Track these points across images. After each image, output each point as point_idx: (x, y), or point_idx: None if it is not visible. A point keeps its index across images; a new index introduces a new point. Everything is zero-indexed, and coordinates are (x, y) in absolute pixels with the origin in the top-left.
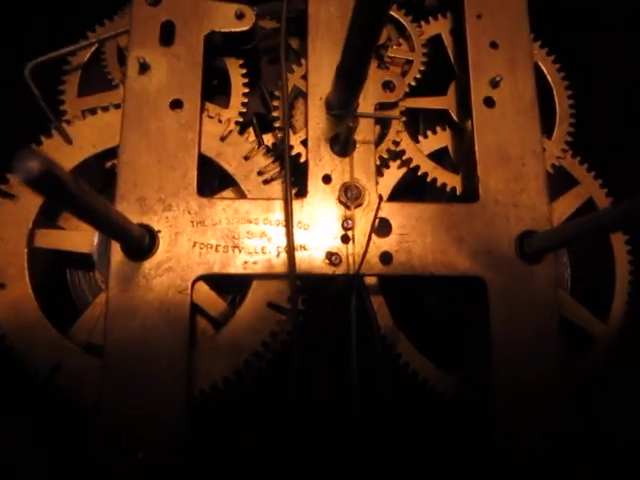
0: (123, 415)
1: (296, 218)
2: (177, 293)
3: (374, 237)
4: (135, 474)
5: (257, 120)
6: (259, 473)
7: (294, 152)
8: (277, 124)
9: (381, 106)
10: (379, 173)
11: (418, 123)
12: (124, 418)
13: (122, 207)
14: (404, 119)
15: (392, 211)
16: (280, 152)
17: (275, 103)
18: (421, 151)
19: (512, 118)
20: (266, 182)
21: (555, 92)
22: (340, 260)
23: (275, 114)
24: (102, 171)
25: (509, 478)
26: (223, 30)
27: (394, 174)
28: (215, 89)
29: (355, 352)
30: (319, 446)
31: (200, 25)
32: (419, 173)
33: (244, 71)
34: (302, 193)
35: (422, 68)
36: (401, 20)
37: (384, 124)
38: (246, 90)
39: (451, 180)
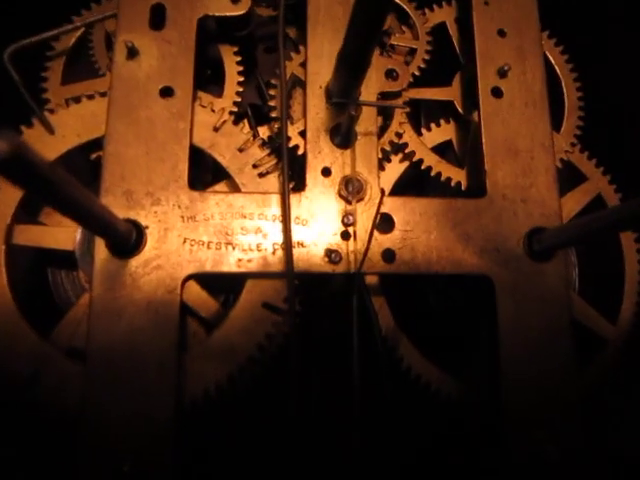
0: (107, 425)
1: (294, 213)
2: (166, 293)
3: (376, 233)
4: None
5: (252, 111)
6: None
7: (292, 144)
8: (274, 114)
9: (383, 96)
10: (380, 167)
11: (419, 116)
12: (108, 428)
13: (107, 201)
14: (408, 109)
15: (395, 206)
16: (277, 144)
17: (272, 92)
18: (425, 144)
19: (520, 109)
20: (262, 175)
21: (564, 83)
22: (340, 258)
23: (272, 104)
24: (87, 163)
25: None
26: (217, 14)
27: (396, 168)
28: (208, 79)
29: (357, 355)
30: (319, 451)
31: (193, 8)
32: (422, 167)
33: (239, 59)
34: (300, 187)
35: (426, 57)
36: (404, 7)
37: (386, 115)
38: (241, 79)
39: (456, 174)
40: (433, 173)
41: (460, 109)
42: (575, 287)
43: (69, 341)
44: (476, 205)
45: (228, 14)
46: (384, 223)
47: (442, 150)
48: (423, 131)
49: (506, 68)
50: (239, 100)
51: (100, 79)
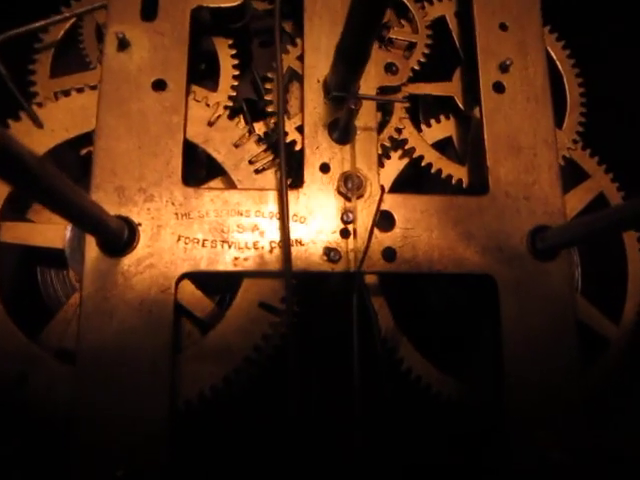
0: (99, 427)
1: (291, 210)
2: (159, 292)
3: (376, 231)
4: None
5: (247, 106)
6: None
7: (289, 139)
8: (270, 109)
9: (382, 90)
10: (379, 164)
11: (417, 112)
12: (100, 431)
13: (98, 197)
14: (408, 104)
15: (395, 203)
16: (273, 139)
17: (268, 86)
18: (425, 140)
19: (523, 105)
20: (258, 171)
21: (565, 79)
22: (339, 256)
23: (268, 98)
24: (77, 159)
25: None
26: (211, 5)
27: (395, 165)
28: (202, 73)
29: (357, 356)
30: (319, 452)
31: None
32: (423, 163)
33: (234, 52)
34: (298, 183)
35: (426, 51)
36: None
37: (385, 110)
38: (236, 72)
39: (457, 171)
40: (434, 170)
41: (461, 105)
42: (578, 287)
43: (59, 342)
44: (478, 203)
45: (222, 5)
46: (384, 221)
47: (442, 147)
48: (422, 127)
49: (508, 63)
50: (234, 94)
51: (90, 72)
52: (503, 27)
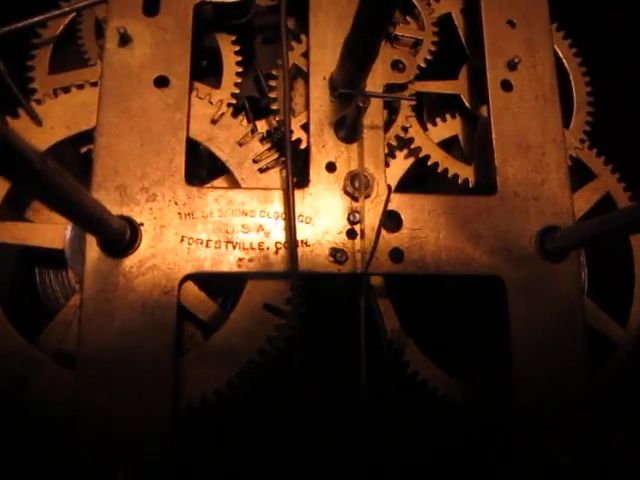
0: (99, 433)
1: (297, 210)
2: (162, 294)
3: (383, 232)
4: None
5: (250, 105)
6: None
7: (294, 137)
8: (274, 106)
9: (389, 88)
10: (385, 163)
11: (421, 111)
12: (100, 436)
13: (99, 196)
14: (415, 102)
15: (402, 203)
16: (278, 137)
17: (272, 83)
18: (431, 139)
19: (531, 103)
20: (262, 170)
21: (572, 78)
22: (346, 257)
23: (272, 95)
24: (77, 157)
25: None
26: (214, 0)
27: (401, 164)
28: (205, 70)
29: (364, 357)
30: (324, 453)
31: None
32: (429, 163)
33: (237, 48)
34: (303, 183)
35: (432, 49)
36: None
37: (391, 108)
38: (239, 69)
39: (463, 171)
40: (440, 169)
41: (467, 103)
42: (584, 289)
43: (58, 344)
44: (486, 203)
45: (226, 0)
46: (391, 221)
47: (447, 146)
48: (428, 126)
49: (516, 60)
50: (237, 91)
51: (90, 68)
52: (511, 24)
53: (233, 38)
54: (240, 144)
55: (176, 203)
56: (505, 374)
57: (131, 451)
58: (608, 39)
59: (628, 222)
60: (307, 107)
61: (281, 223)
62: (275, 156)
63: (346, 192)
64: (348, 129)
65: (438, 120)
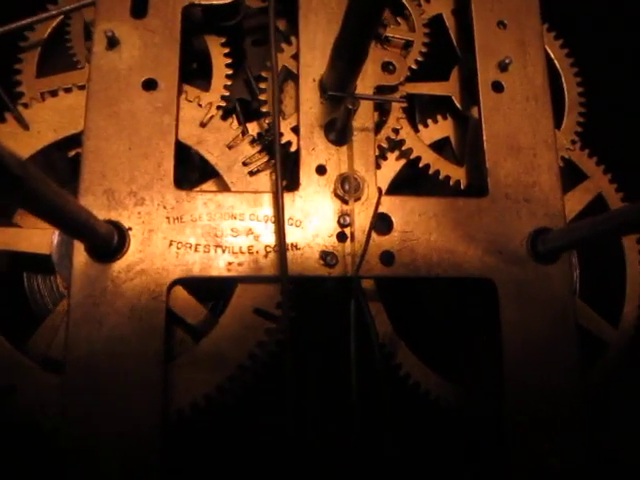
0: (88, 440)
1: (287, 213)
2: (151, 299)
3: (374, 235)
4: None
5: (241, 107)
6: None
7: (284, 140)
8: (264, 109)
9: (379, 89)
10: (376, 165)
11: (413, 112)
12: (89, 444)
13: (87, 201)
14: (406, 104)
15: (393, 206)
16: (267, 141)
17: (262, 86)
18: (422, 141)
19: (522, 104)
20: (252, 174)
21: (563, 78)
22: (336, 260)
23: (262, 98)
24: (65, 161)
25: None
26: (203, 2)
27: (392, 166)
28: (194, 73)
29: (355, 361)
30: (317, 458)
31: None
32: (420, 165)
33: (227, 50)
34: (293, 186)
35: (423, 50)
36: None
37: (381, 110)
38: (229, 72)
39: (455, 172)
40: (431, 171)
41: (458, 104)
42: (576, 290)
43: (46, 350)
44: (478, 205)
45: (215, 2)
46: (382, 224)
47: (439, 147)
48: (420, 127)
49: (507, 61)
50: (227, 94)
51: (78, 71)
52: (502, 25)
53: (223, 40)
54: (230, 147)
55: (165, 207)
56: (497, 376)
57: (121, 457)
58: (600, 40)
59: (620, 223)
60: (297, 109)
61: (271, 226)
62: (265, 159)
63: (336, 195)
64: (338, 131)
65: (429, 122)
